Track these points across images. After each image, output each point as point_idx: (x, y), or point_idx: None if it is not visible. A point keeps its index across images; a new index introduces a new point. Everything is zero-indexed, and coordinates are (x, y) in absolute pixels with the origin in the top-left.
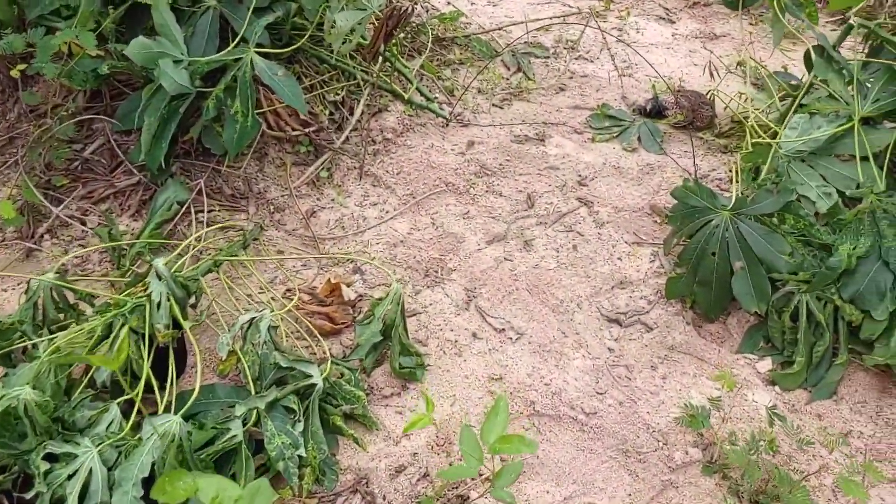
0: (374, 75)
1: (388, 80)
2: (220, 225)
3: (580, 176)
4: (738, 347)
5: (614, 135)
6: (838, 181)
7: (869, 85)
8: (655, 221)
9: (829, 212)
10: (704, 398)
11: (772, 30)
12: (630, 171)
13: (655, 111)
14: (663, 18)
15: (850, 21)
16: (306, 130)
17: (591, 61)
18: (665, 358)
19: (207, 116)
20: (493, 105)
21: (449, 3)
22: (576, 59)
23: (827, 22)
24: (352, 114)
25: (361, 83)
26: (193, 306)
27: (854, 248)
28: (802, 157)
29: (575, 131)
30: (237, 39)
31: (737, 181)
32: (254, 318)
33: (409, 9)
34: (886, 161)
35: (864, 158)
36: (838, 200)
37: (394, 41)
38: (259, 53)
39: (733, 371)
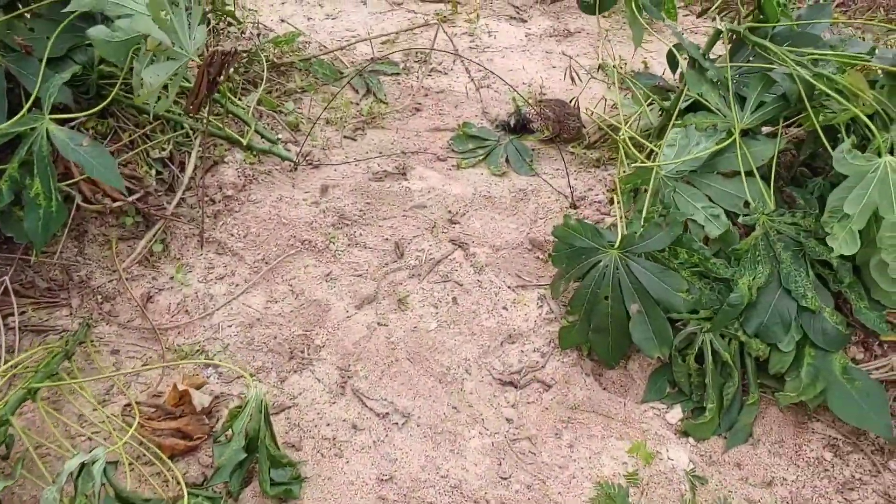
0: (205, 122)
1: (222, 126)
2: (34, 329)
3: (450, 212)
4: (643, 395)
5: (480, 157)
6: (725, 200)
7: (745, 91)
8: (537, 257)
9: (720, 237)
10: (618, 464)
11: (630, 27)
12: (502, 199)
13: (520, 126)
14: (515, 18)
15: (718, 26)
16: (131, 199)
17: (446, 73)
18: (569, 421)
19: (2, 201)
20: (346, 137)
21: (283, 22)
22: (429, 73)
23: (686, 15)
24: (183, 170)
25: (191, 132)
26: (4, 457)
27: (753, 279)
28: (685, 176)
29: (438, 158)
30: (30, 101)
31: (617, 202)
32: (85, 463)
33: (234, 50)
34: (773, 174)
35: (749, 173)
36: (729, 226)
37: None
38: (59, 119)
39: (643, 426)
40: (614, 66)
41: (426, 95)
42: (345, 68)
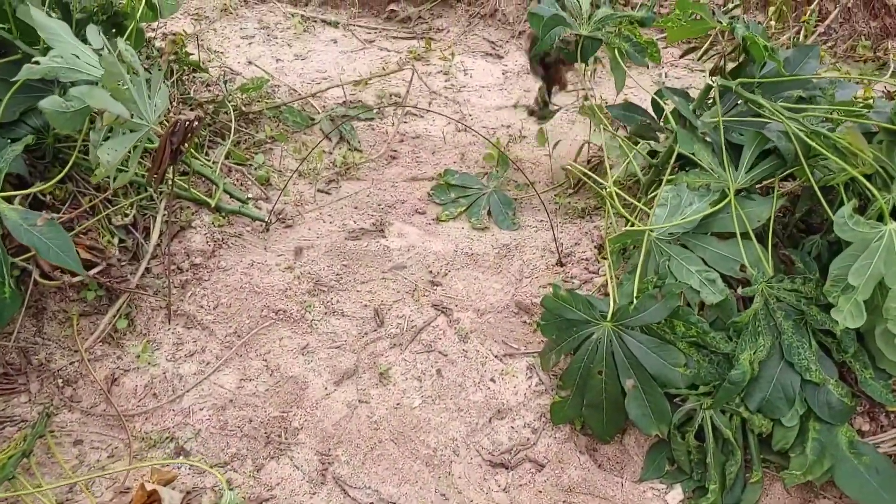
0: (170, 185)
1: (188, 186)
2: None
3: (431, 273)
4: (641, 474)
5: (462, 209)
6: (720, 263)
7: (739, 138)
8: (524, 322)
9: (718, 305)
10: None
11: (612, 73)
12: (486, 257)
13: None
14: (490, 54)
15: (709, 81)
16: (92, 273)
17: (422, 117)
18: None
19: None
20: (319, 191)
21: (251, 64)
22: (404, 116)
23: (665, 47)
24: (148, 237)
25: (155, 195)
26: None
27: (754, 353)
28: (678, 237)
29: (416, 211)
30: None
31: (609, 267)
32: None
33: (198, 117)
34: (770, 236)
35: (745, 234)
36: (727, 293)
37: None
38: (8, 197)
39: None
40: (596, 106)
41: (402, 141)
42: (316, 114)
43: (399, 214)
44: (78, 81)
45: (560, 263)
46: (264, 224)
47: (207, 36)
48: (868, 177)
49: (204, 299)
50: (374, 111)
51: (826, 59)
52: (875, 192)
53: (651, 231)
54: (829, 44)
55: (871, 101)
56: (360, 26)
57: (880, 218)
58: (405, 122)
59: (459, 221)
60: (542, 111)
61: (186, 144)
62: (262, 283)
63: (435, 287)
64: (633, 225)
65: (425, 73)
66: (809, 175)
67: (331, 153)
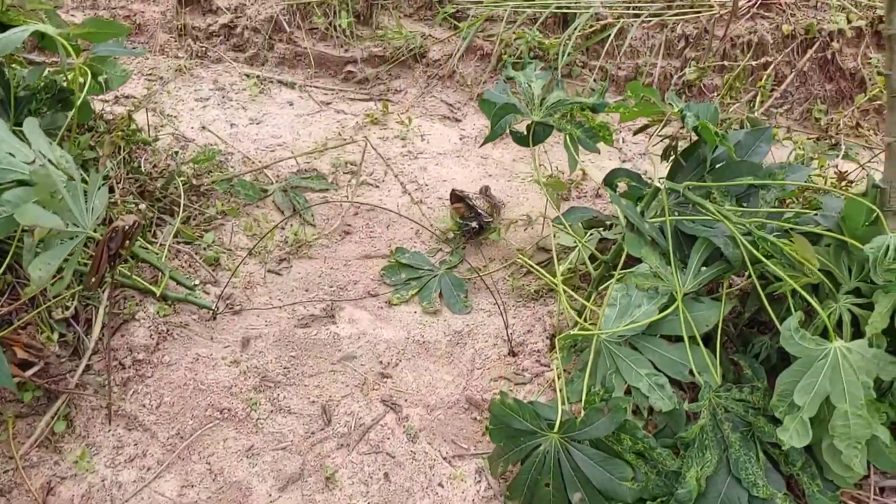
0: (112, 276)
1: (131, 274)
2: None
3: (382, 363)
4: None
5: (414, 291)
6: (669, 367)
7: (692, 228)
8: (474, 418)
9: (668, 413)
10: None
11: (566, 151)
12: (437, 345)
13: (482, 225)
14: (448, 118)
15: (656, 183)
16: (28, 374)
17: (377, 186)
18: None
19: None
20: (270, 271)
21: (205, 129)
22: (359, 186)
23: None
24: (90, 330)
25: (98, 288)
26: None
27: (701, 469)
28: (627, 338)
29: (369, 293)
30: None
31: (556, 373)
32: None
33: (137, 223)
34: (718, 340)
35: (693, 338)
36: (676, 402)
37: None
38: None
39: None
40: (549, 182)
41: (356, 214)
42: (270, 184)
43: (351, 297)
44: (12, 182)
45: (512, 353)
46: (212, 312)
47: (161, 98)
48: (815, 285)
49: (146, 398)
50: (329, 181)
51: (779, 133)
52: (817, 306)
53: (598, 332)
54: (785, 107)
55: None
56: (316, 87)
57: (825, 333)
58: (360, 190)
59: (412, 305)
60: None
61: (125, 249)
62: (206, 380)
63: (385, 379)
64: (581, 327)
65: (382, 138)
66: (756, 283)
67: (283, 228)
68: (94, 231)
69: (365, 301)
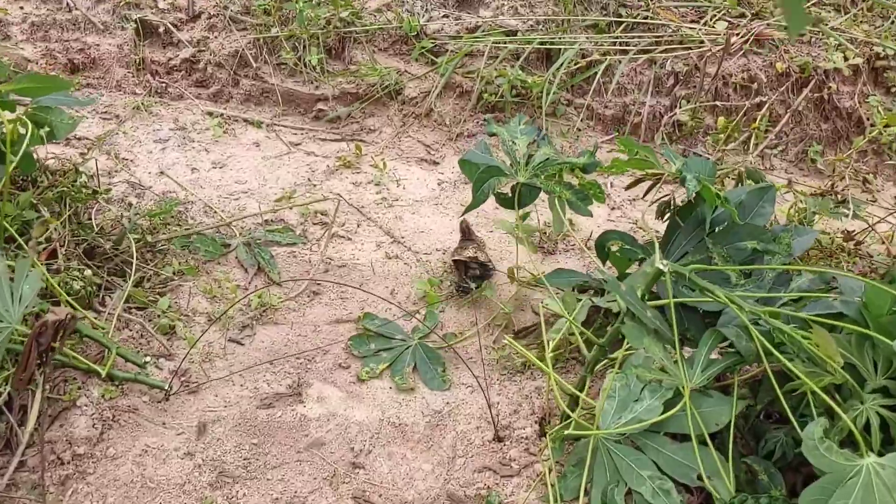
0: (48, 359)
1: (73, 353)
2: None
3: (353, 450)
4: None
5: (385, 364)
6: (675, 470)
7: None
8: None
9: None
10: None
11: (551, 213)
12: (415, 428)
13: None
14: (426, 160)
15: (659, 265)
16: None
17: (350, 238)
18: None
19: None
20: (231, 341)
21: (163, 175)
22: (331, 239)
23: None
24: (24, 422)
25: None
26: None
27: None
28: (628, 436)
29: (339, 365)
30: None
31: (545, 470)
32: None
33: (69, 316)
34: (731, 441)
35: (701, 437)
36: None
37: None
38: None
39: None
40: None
41: (327, 271)
42: (232, 237)
43: (319, 371)
44: None
45: (498, 439)
46: (164, 392)
47: (116, 140)
48: (838, 386)
49: (87, 499)
50: (298, 234)
51: (777, 184)
52: (842, 414)
53: (596, 433)
54: (780, 148)
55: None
56: (285, 126)
57: (852, 437)
58: (332, 244)
59: (384, 380)
60: (463, 293)
61: (58, 343)
62: (156, 476)
63: (356, 470)
64: (576, 422)
65: (355, 184)
66: (771, 376)
67: (247, 288)
68: (24, 323)
69: (335, 374)
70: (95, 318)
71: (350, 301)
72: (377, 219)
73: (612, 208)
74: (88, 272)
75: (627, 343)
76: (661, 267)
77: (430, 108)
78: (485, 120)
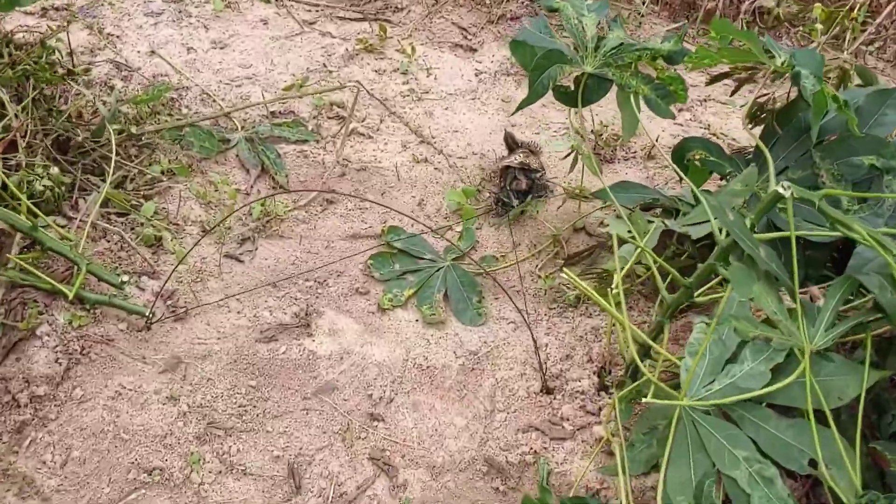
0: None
1: (35, 267)
2: None
3: (372, 398)
4: None
5: (411, 290)
6: (780, 453)
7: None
8: (496, 489)
9: None
10: None
11: (620, 111)
12: (445, 372)
13: (532, 186)
14: (461, 45)
15: (780, 190)
16: None
17: (371, 137)
18: None
19: None
20: (227, 256)
21: (153, 54)
22: (348, 136)
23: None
24: None
25: None
26: None
27: None
28: (719, 404)
29: (356, 290)
30: None
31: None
32: None
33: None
34: (859, 423)
35: (819, 412)
36: None
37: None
38: None
39: None
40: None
41: (343, 175)
42: (234, 129)
43: (332, 296)
44: None
45: (546, 390)
46: (145, 320)
47: (102, 12)
48: None
49: (48, 451)
50: (309, 130)
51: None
52: None
53: (683, 402)
54: (878, 44)
55: None
56: (297, 1)
57: None
58: (349, 141)
59: (410, 310)
60: (502, 209)
61: None
62: (132, 425)
63: (375, 423)
64: (656, 389)
65: (378, 72)
66: None
67: (248, 194)
68: None
69: (351, 302)
70: (64, 227)
71: (370, 212)
72: (403, 114)
73: (680, 109)
74: (55, 169)
75: (724, 285)
76: (782, 191)
77: None
78: None
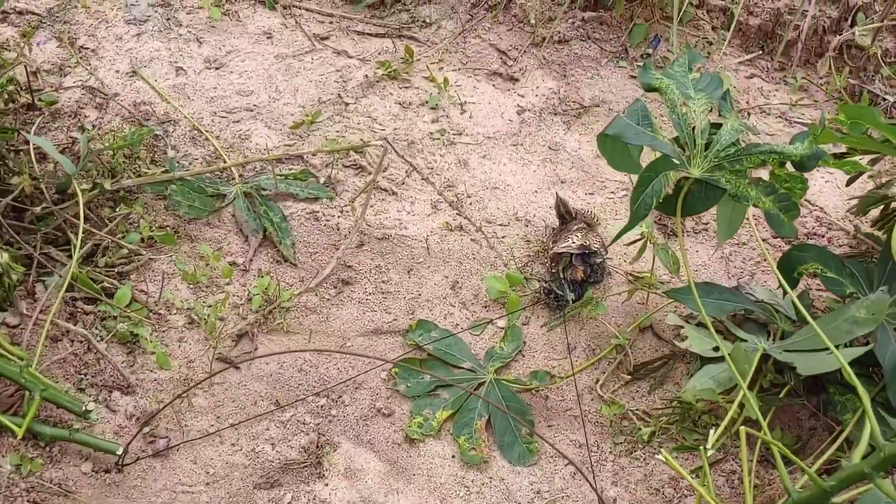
0: None
1: None
2: None
3: None
4: None
5: (446, 413)
6: None
7: None
8: None
9: None
10: None
11: (718, 223)
12: None
13: (591, 273)
14: (499, 74)
15: None
16: None
17: (395, 192)
18: None
19: None
20: (220, 359)
21: (135, 75)
22: (369, 195)
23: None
24: None
25: None
26: None
27: None
28: None
29: (378, 410)
30: None
31: None
32: None
33: None
34: None
35: None
36: None
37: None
38: None
39: None
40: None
41: (362, 245)
42: (231, 181)
43: (349, 420)
44: None
45: None
46: (117, 459)
47: (75, 17)
48: None
49: None
50: (321, 182)
51: None
52: None
53: None
54: None
55: None
56: (308, 10)
57: None
58: (369, 204)
59: (443, 440)
60: (555, 303)
61: None
62: None
63: None
64: None
65: (402, 105)
66: None
67: (245, 269)
68: None
69: (372, 428)
70: (16, 328)
71: (395, 298)
72: (434, 162)
73: None
74: (5, 256)
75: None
76: None
77: None
78: (643, 63)
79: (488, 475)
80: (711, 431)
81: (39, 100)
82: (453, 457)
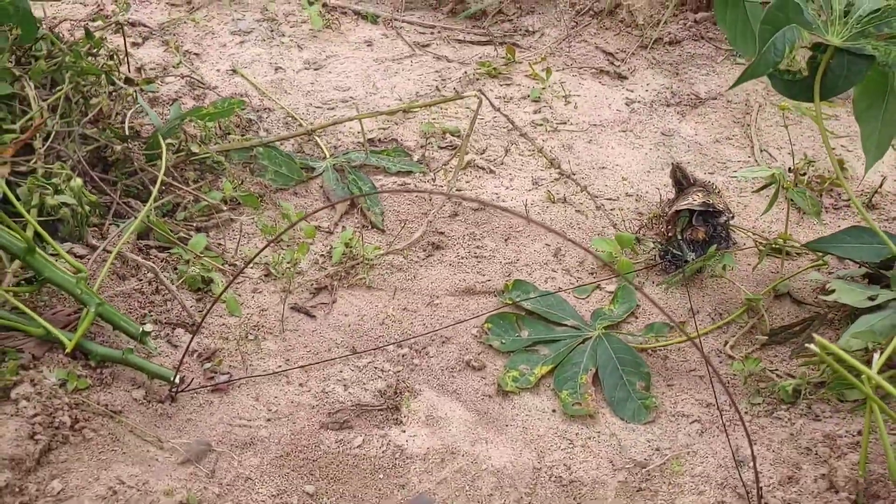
0: None
1: (31, 306)
2: None
3: None
4: None
5: (546, 367)
6: None
7: None
8: None
9: None
10: None
11: (863, 131)
12: (599, 491)
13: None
14: (606, 72)
15: None
16: None
17: (492, 171)
18: None
19: None
20: (295, 308)
21: (235, 73)
22: (463, 169)
23: None
24: None
25: None
26: None
27: None
28: None
29: (467, 363)
30: None
31: None
32: None
33: None
34: None
35: None
36: None
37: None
38: None
39: None
40: (802, 193)
41: (455, 216)
42: (321, 157)
43: (434, 370)
44: None
45: None
46: (170, 387)
47: (183, 30)
48: None
49: None
50: (415, 160)
51: None
52: None
53: None
54: None
55: None
56: (409, 23)
57: None
58: (463, 183)
59: (541, 394)
60: (671, 265)
61: None
62: None
63: None
64: None
65: (503, 98)
66: None
67: (330, 232)
68: None
69: (459, 379)
70: (83, 258)
71: (489, 262)
72: (536, 142)
73: None
74: (78, 181)
75: None
76: None
77: (615, 1)
78: None
79: (595, 430)
80: (876, 355)
81: (137, 84)
82: (553, 411)
